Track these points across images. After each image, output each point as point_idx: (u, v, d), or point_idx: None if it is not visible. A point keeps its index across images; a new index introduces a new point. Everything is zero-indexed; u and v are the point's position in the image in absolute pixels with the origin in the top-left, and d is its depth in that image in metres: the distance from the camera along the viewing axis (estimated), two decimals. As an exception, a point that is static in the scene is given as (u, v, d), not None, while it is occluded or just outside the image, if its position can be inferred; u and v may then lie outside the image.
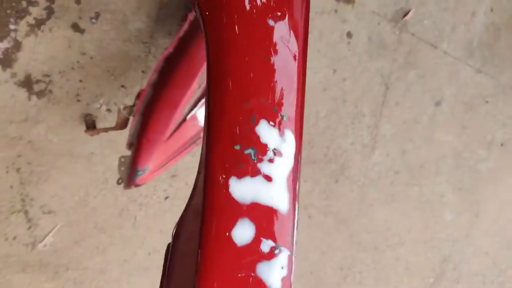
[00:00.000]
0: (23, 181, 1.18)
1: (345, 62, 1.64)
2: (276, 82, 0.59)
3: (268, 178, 0.53)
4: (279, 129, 0.55)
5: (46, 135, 1.19)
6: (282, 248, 0.52)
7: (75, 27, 1.19)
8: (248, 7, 0.60)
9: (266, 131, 0.55)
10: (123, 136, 1.18)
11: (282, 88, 0.59)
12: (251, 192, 0.53)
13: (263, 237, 0.51)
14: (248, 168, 0.52)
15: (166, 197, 1.37)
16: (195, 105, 1.09)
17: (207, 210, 0.52)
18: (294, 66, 0.60)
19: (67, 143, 1.21)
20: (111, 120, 1.27)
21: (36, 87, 1.17)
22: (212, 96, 0.57)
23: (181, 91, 1.06)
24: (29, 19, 1.13)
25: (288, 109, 0.57)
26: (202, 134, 1.10)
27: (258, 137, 0.55)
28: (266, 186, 0.53)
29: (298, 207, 0.56)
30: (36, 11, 1.13)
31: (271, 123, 0.55)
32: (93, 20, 1.20)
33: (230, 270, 0.49)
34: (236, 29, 0.59)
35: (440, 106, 1.90)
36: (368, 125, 1.72)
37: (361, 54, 1.67)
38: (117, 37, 1.24)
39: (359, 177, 1.73)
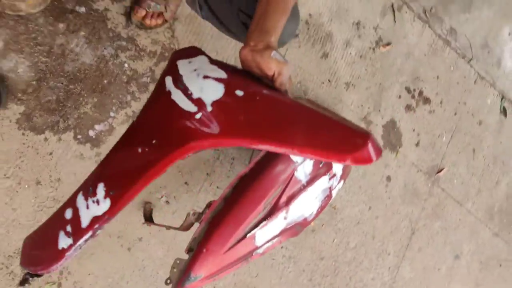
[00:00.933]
0: (71, 253, 1.15)
1: (380, 201, 1.68)
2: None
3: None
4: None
5: (106, 213, 1.19)
6: None
7: (162, 124, 1.24)
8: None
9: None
10: (172, 234, 1.18)
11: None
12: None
13: None
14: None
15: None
16: (256, 225, 1.10)
17: None
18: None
19: (121, 225, 1.21)
20: (167, 211, 1.28)
21: (112, 169, 1.19)
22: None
23: (248, 210, 1.08)
24: (128, 111, 1.20)
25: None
26: (254, 252, 1.10)
27: None
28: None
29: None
30: (136, 105, 1.21)
31: None
32: (179, 121, 1.26)
33: None
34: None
35: (458, 259, 1.90)
36: (390, 264, 1.71)
37: (396, 198, 1.72)
38: (194, 139, 1.30)
39: (373, 314, 1.66)
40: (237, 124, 0.68)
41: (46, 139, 1.12)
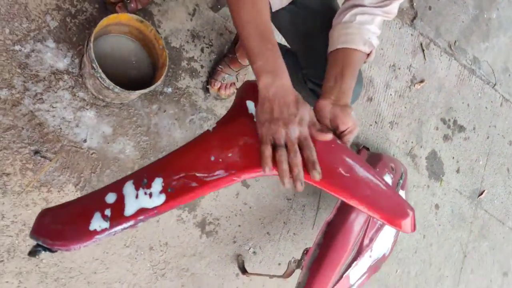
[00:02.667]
0: (180, 310, 1.42)
1: (432, 229, 1.98)
2: None
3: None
4: None
5: (206, 269, 1.46)
6: None
7: (244, 183, 1.54)
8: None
9: None
10: (261, 282, 1.45)
11: None
12: None
13: None
14: None
15: None
16: (348, 266, 1.38)
17: None
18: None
19: (219, 278, 1.48)
20: (255, 261, 1.56)
21: (208, 228, 1.47)
22: None
23: (341, 254, 1.36)
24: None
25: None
26: (348, 291, 1.38)
27: None
28: None
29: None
30: (223, 169, 1.49)
31: None
32: (257, 178, 1.56)
33: None
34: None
35: (507, 276, 2.19)
36: (448, 288, 1.99)
37: (445, 224, 2.02)
38: (271, 193, 1.59)
39: (439, 338, 1.94)
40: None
41: (152, 209, 1.40)
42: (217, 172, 0.74)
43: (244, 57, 1.45)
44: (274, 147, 0.73)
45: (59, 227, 0.72)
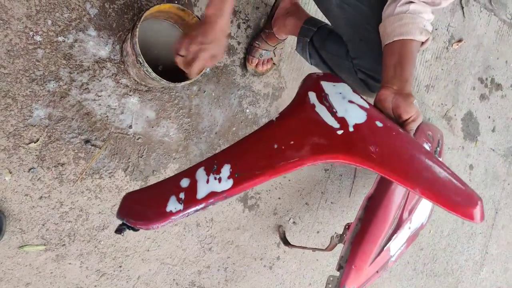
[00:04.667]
0: (227, 279, 1.50)
1: (466, 189, 1.98)
2: None
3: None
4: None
5: (249, 241, 1.52)
6: None
7: (283, 157, 1.55)
8: None
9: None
10: (301, 250, 1.51)
11: None
12: None
13: None
14: None
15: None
16: (389, 238, 1.41)
17: None
18: None
19: (262, 248, 1.54)
20: (295, 230, 1.61)
21: (249, 202, 1.51)
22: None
23: (382, 227, 1.39)
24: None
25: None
26: (389, 261, 1.42)
27: None
28: None
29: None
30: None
31: None
32: (295, 151, 1.57)
33: None
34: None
35: (537, 231, 2.21)
36: (479, 245, 2.03)
37: (479, 183, 2.02)
38: (309, 165, 1.60)
39: (468, 291, 2.01)
40: (372, 150, 0.78)
41: (197, 187, 1.43)
42: (279, 160, 0.77)
43: (281, 31, 1.41)
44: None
45: (140, 208, 0.80)
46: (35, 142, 1.18)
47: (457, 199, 0.76)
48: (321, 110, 0.82)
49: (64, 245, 1.25)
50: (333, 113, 0.81)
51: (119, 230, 0.81)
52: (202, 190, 0.78)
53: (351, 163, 0.78)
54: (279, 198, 1.58)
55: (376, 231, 1.39)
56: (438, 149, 1.68)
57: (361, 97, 0.84)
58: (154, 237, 1.37)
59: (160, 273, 1.39)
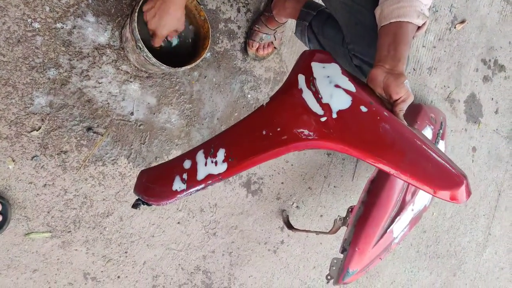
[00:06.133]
0: (232, 263, 1.50)
1: (468, 171, 1.98)
2: None
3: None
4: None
5: (253, 225, 1.52)
6: None
7: (285, 141, 1.54)
8: None
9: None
10: (305, 233, 1.51)
11: None
12: None
13: None
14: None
15: None
16: (392, 221, 1.41)
17: None
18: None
19: (265, 233, 1.54)
20: (298, 214, 1.61)
21: (253, 187, 1.51)
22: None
23: (385, 210, 1.39)
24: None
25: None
26: (392, 243, 1.42)
27: None
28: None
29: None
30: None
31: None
32: (298, 136, 1.56)
33: None
34: None
35: (540, 212, 2.21)
36: (482, 226, 2.03)
37: (482, 165, 2.01)
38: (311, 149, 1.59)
39: (472, 272, 2.02)
40: (355, 136, 0.78)
41: (200, 173, 1.43)
42: (266, 147, 0.80)
43: (280, 14, 1.39)
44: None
45: (152, 186, 0.88)
46: (37, 130, 1.18)
47: (440, 182, 0.75)
48: (308, 96, 0.82)
49: (69, 232, 1.25)
50: (318, 99, 0.81)
51: (135, 205, 0.89)
52: (201, 172, 0.83)
53: (335, 149, 0.79)
54: (282, 182, 1.58)
55: (379, 214, 1.39)
56: (441, 131, 1.66)
57: (350, 79, 0.82)
58: (159, 223, 1.37)
59: (166, 258, 1.39)
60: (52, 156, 1.20)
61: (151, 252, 1.37)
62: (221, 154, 0.83)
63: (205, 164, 0.84)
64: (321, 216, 1.67)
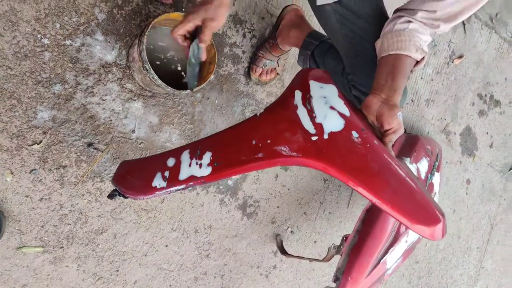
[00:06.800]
0: (224, 286, 1.50)
1: (462, 204, 2.00)
2: None
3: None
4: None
5: (246, 249, 1.52)
6: None
7: (283, 166, 1.56)
8: None
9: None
10: (298, 259, 1.51)
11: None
12: None
13: None
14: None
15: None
16: (386, 251, 1.42)
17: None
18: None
19: (259, 257, 1.54)
20: (292, 239, 1.61)
21: (248, 210, 1.52)
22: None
23: (379, 240, 1.40)
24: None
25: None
26: (385, 274, 1.42)
27: None
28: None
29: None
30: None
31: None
32: (295, 161, 1.58)
33: None
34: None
35: (532, 247, 2.22)
36: (474, 259, 2.04)
37: (475, 198, 2.03)
38: (308, 174, 1.61)
39: (462, 306, 2.02)
40: (343, 159, 0.79)
41: (197, 193, 1.44)
42: (255, 156, 0.81)
43: (284, 42, 1.42)
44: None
45: (131, 179, 0.87)
46: (38, 144, 1.18)
47: (419, 216, 0.76)
48: (302, 113, 0.83)
49: (62, 247, 1.24)
50: (312, 117, 0.82)
51: (111, 196, 0.88)
52: (184, 172, 0.83)
53: (320, 170, 0.80)
54: (278, 206, 1.59)
55: (373, 244, 1.40)
56: (437, 163, 1.69)
57: (345, 103, 0.83)
58: (152, 242, 1.37)
59: (157, 278, 1.39)
60: (50, 170, 1.20)
61: (142, 271, 1.36)
62: (207, 157, 0.83)
63: (189, 165, 0.83)
64: (315, 242, 1.67)
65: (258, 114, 0.85)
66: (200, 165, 0.82)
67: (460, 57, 1.97)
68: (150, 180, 0.85)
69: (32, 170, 1.18)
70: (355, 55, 1.08)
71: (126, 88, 1.29)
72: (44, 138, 1.19)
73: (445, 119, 1.96)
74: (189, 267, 1.44)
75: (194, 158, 0.84)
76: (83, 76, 1.22)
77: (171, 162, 0.85)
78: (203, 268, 1.46)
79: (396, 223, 1.47)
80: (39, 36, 1.15)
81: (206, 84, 1.19)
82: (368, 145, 0.80)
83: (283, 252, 1.55)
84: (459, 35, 1.96)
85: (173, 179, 0.83)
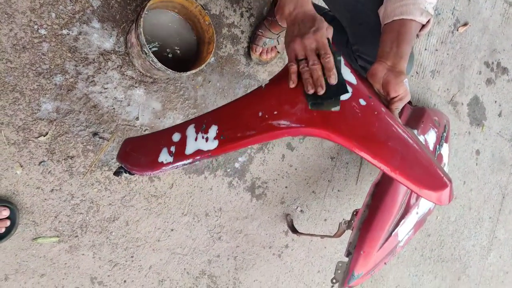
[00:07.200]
0: (237, 267, 1.51)
1: (472, 175, 1.99)
2: None
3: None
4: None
5: (257, 229, 1.53)
6: None
7: (289, 146, 1.55)
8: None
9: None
10: (309, 237, 1.52)
11: None
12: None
13: None
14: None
15: None
16: (397, 224, 1.42)
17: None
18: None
19: (270, 237, 1.55)
20: (302, 218, 1.62)
21: (257, 191, 1.52)
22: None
23: (389, 213, 1.40)
24: (265, 141, 1.50)
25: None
26: (397, 246, 1.43)
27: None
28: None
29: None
30: (269, 135, 1.51)
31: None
32: (301, 140, 1.57)
33: None
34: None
35: (545, 215, 2.21)
36: (487, 230, 2.04)
37: (486, 168, 2.02)
38: (315, 153, 1.61)
39: (476, 276, 2.02)
40: (351, 128, 0.78)
41: (205, 177, 1.44)
42: (261, 129, 0.80)
43: (283, 19, 1.41)
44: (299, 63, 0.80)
45: (136, 155, 0.87)
46: (44, 136, 1.20)
47: (427, 182, 0.76)
48: None
49: (76, 236, 1.26)
50: None
51: (117, 173, 0.89)
52: (190, 147, 0.83)
53: (328, 139, 0.79)
54: (286, 187, 1.59)
55: (383, 217, 1.40)
56: (445, 134, 1.68)
57: (352, 71, 0.82)
58: (164, 228, 1.38)
59: (171, 262, 1.40)
60: (59, 161, 1.22)
61: (156, 257, 1.38)
62: (213, 130, 0.82)
63: (195, 139, 0.83)
64: (325, 220, 1.68)
65: (263, 85, 0.84)
66: (207, 139, 0.82)
67: (465, 24, 1.94)
68: (156, 155, 0.84)
69: (41, 162, 1.20)
70: (358, 24, 1.06)
71: (126, 75, 1.29)
72: (49, 129, 1.20)
73: (452, 90, 1.93)
74: (202, 250, 1.45)
75: (200, 132, 0.83)
76: (83, 66, 1.23)
77: (176, 137, 0.85)
78: (215, 251, 1.48)
79: (406, 195, 1.47)
80: (35, 27, 1.15)
81: (205, 65, 1.18)
82: (376, 113, 0.79)
83: (294, 231, 1.56)
84: (463, 2, 1.92)
85: (179, 154, 0.83)
